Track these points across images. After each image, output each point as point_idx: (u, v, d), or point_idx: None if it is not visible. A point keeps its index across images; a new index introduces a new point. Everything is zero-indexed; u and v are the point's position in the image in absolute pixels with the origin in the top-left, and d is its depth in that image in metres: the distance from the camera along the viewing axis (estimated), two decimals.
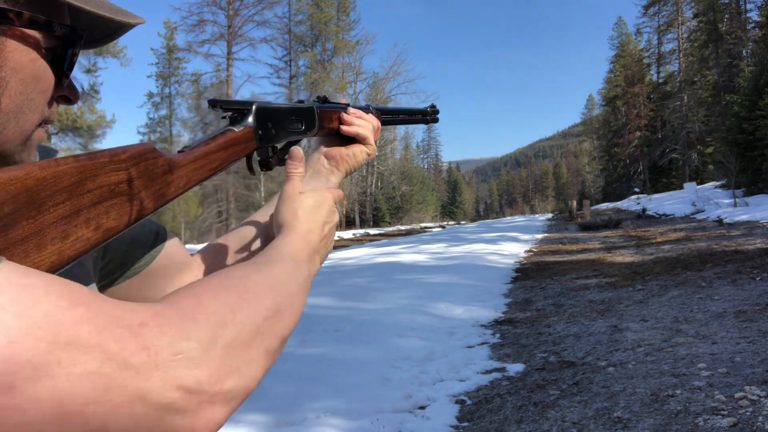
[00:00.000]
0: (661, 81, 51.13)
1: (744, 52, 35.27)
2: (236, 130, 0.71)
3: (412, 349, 4.68)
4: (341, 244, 22.69)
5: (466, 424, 3.26)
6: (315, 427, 3.13)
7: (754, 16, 35.29)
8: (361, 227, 44.56)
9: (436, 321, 5.78)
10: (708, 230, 12.70)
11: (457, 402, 3.59)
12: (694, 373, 3.52)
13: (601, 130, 62.28)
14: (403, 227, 44.67)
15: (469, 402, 3.60)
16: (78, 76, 29.45)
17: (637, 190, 42.79)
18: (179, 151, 0.63)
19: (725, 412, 2.89)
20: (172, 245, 0.81)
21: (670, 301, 5.77)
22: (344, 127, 0.90)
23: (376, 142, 0.96)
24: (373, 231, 38.15)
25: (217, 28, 38.96)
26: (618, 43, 57.68)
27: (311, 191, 0.78)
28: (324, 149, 0.91)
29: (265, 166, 0.79)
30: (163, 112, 41.78)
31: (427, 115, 1.15)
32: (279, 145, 0.81)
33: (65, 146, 29.01)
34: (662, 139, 46.80)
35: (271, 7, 39.81)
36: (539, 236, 17.73)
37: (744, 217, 13.58)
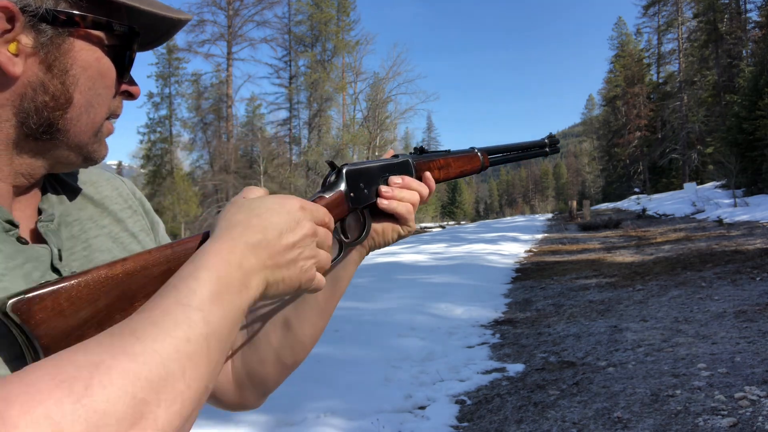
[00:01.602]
0: (661, 81, 51.15)
1: (744, 52, 35.28)
2: (327, 196, 0.70)
3: (412, 349, 4.68)
4: None
5: (466, 424, 3.26)
6: (315, 427, 3.13)
7: (754, 16, 35.31)
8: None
9: (436, 321, 5.78)
10: (708, 230, 12.70)
11: (457, 402, 3.59)
12: (694, 373, 3.52)
13: (601, 130, 62.29)
14: None
15: (469, 402, 3.60)
16: None
17: (637, 190, 42.80)
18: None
19: (725, 412, 2.89)
20: None
21: (670, 301, 5.77)
22: (381, 201, 0.77)
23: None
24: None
25: (217, 28, 39.05)
26: (618, 43, 57.69)
27: (260, 191, 0.61)
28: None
29: (346, 240, 0.75)
30: (163, 112, 41.82)
31: (545, 147, 1.06)
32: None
33: None
34: (662, 139, 46.81)
35: (271, 7, 39.91)
36: (539, 236, 17.73)
37: (744, 217, 13.59)
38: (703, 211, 18.04)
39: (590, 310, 5.90)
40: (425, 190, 0.82)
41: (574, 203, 27.58)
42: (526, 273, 9.41)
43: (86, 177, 0.68)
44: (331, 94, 43.83)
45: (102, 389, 0.37)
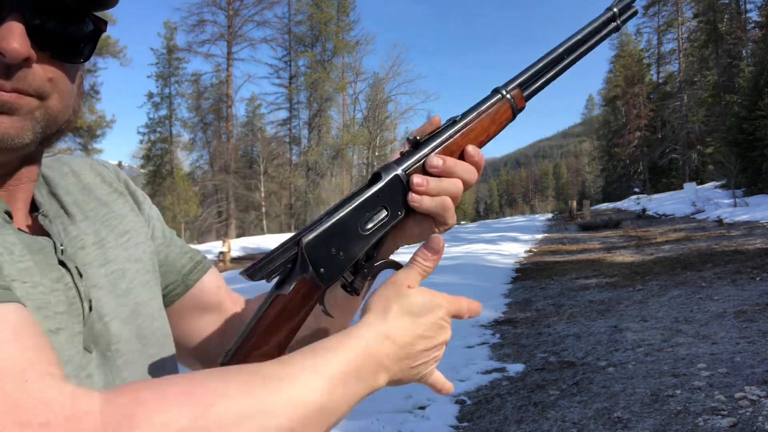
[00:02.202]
0: (661, 81, 51.15)
1: (744, 52, 35.27)
2: (287, 293, 0.56)
3: None
4: None
5: (466, 424, 3.26)
6: None
7: (754, 16, 35.31)
8: None
9: None
10: (708, 230, 12.70)
11: (457, 402, 3.59)
12: (694, 373, 3.52)
13: (601, 130, 62.27)
14: None
15: (469, 402, 3.60)
16: None
17: (637, 190, 42.77)
18: (221, 363, 0.56)
19: (725, 412, 2.89)
20: (210, 280, 0.77)
21: (670, 301, 5.77)
22: (411, 200, 0.61)
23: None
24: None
25: (217, 28, 39.02)
26: (618, 43, 57.65)
27: (425, 289, 0.58)
28: None
29: (354, 291, 0.61)
30: (163, 112, 41.78)
31: (615, 19, 0.71)
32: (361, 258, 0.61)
33: (65, 146, 29.03)
34: (662, 139, 46.81)
35: (271, 7, 39.88)
36: (539, 236, 17.73)
37: (744, 217, 13.58)
38: (703, 211, 18.04)
39: (590, 310, 5.90)
40: (472, 176, 0.64)
41: (574, 203, 27.58)
42: (526, 273, 9.41)
43: (68, 168, 0.69)
44: (331, 94, 43.83)
45: (217, 414, 0.41)
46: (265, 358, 0.54)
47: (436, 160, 0.61)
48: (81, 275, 0.58)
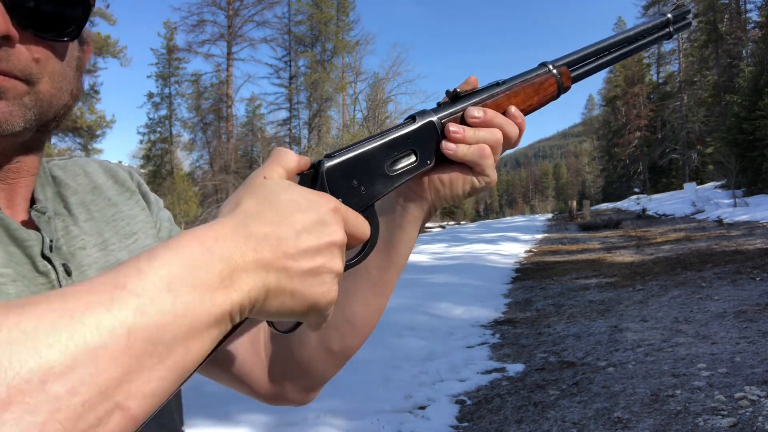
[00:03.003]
0: (661, 81, 51.17)
1: (744, 52, 35.28)
2: None
3: (412, 349, 4.68)
4: None
5: (466, 424, 3.26)
6: (315, 427, 3.13)
7: (754, 16, 35.32)
8: None
9: (436, 321, 5.78)
10: (708, 230, 12.70)
11: (457, 402, 3.59)
12: (694, 373, 3.52)
13: (601, 130, 62.29)
14: None
15: (469, 402, 3.60)
16: None
17: (637, 190, 42.79)
18: None
19: (725, 412, 2.89)
20: None
21: (670, 302, 5.77)
22: (445, 148, 0.57)
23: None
24: None
25: (217, 28, 39.02)
26: None
27: (290, 183, 0.47)
28: None
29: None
30: (163, 112, 41.79)
31: (668, 26, 0.72)
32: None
33: (65, 146, 29.04)
34: (662, 139, 46.82)
35: (271, 7, 39.89)
36: (539, 236, 17.73)
37: (744, 217, 13.58)
38: (703, 211, 18.04)
39: (590, 310, 5.90)
40: (513, 129, 0.60)
41: (574, 203, 27.59)
42: (526, 273, 9.41)
43: (81, 169, 0.68)
44: (331, 94, 43.83)
45: None
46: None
47: (477, 111, 0.58)
48: (69, 273, 0.56)
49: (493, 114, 0.59)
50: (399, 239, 0.62)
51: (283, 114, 44.19)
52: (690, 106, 42.03)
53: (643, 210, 23.13)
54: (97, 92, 30.81)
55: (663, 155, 45.07)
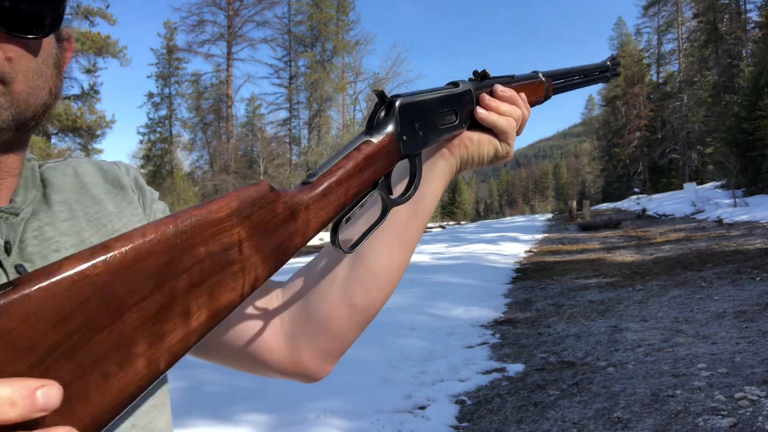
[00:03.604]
0: (661, 81, 51.16)
1: (744, 52, 35.28)
2: (375, 141, 0.53)
3: (412, 349, 4.68)
4: None
5: (466, 424, 3.26)
6: (315, 427, 3.13)
7: (754, 16, 35.30)
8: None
9: (436, 321, 5.78)
10: (708, 230, 12.70)
11: (457, 402, 3.59)
12: (694, 373, 3.52)
13: (601, 131, 62.27)
14: None
15: (469, 402, 3.60)
16: (78, 77, 29.48)
17: (637, 190, 42.79)
18: (303, 183, 0.47)
19: (725, 412, 2.89)
20: None
21: (670, 302, 5.77)
22: (480, 112, 0.67)
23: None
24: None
25: (217, 28, 39.04)
26: (618, 44, 57.65)
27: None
28: None
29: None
30: (163, 112, 41.81)
31: (607, 71, 0.92)
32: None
33: (65, 146, 29.03)
34: (662, 139, 46.81)
35: (271, 7, 39.90)
36: (539, 236, 17.73)
37: (744, 217, 13.58)
38: (703, 211, 18.03)
39: (590, 310, 5.90)
40: (526, 112, 0.72)
41: (574, 203, 27.58)
42: (526, 273, 9.41)
43: (72, 169, 0.65)
44: (331, 94, 43.83)
45: None
46: (333, 204, 0.48)
47: (506, 89, 0.69)
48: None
49: (515, 93, 0.70)
50: (427, 191, 0.67)
51: (283, 114, 44.22)
52: (690, 106, 42.02)
53: (643, 210, 23.13)
54: (97, 92, 30.79)
55: (663, 155, 45.06)
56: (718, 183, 24.15)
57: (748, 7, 36.67)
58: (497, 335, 5.27)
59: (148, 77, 41.87)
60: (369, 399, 3.53)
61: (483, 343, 5.01)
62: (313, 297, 0.66)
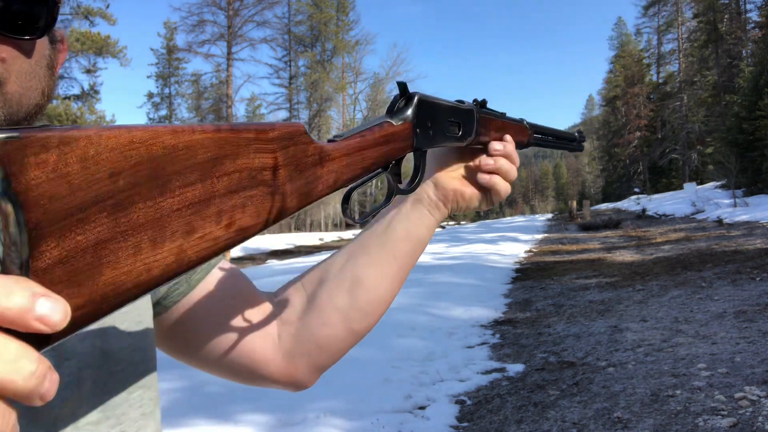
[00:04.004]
0: (661, 81, 51.18)
1: (744, 52, 35.28)
2: (395, 123, 0.57)
3: (412, 349, 4.68)
4: (341, 245, 22.68)
5: (466, 424, 3.26)
6: (315, 427, 3.13)
7: (754, 16, 35.30)
8: (362, 227, 44.56)
9: (436, 321, 5.77)
10: (708, 230, 12.70)
11: (457, 402, 3.59)
12: (694, 373, 3.52)
13: (601, 131, 62.27)
14: None
15: (469, 402, 3.60)
16: (78, 77, 29.48)
17: (637, 190, 42.81)
18: (329, 141, 0.50)
19: (725, 412, 2.89)
20: (219, 275, 0.72)
21: (670, 302, 5.77)
22: (481, 177, 0.72)
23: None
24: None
25: (217, 28, 38.99)
26: (618, 44, 57.70)
27: None
28: (439, 174, 0.74)
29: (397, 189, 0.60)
30: (163, 112, 41.81)
31: (574, 141, 1.03)
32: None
33: None
34: (662, 140, 46.82)
35: (270, 7, 39.86)
36: (539, 236, 17.73)
37: (744, 217, 13.58)
38: (703, 211, 18.04)
39: (590, 310, 5.90)
40: (515, 159, 0.74)
41: (574, 203, 27.60)
42: (526, 273, 9.41)
43: None
44: (331, 94, 43.85)
45: None
46: (352, 167, 0.50)
47: (507, 144, 0.74)
48: None
49: (514, 151, 0.74)
50: (416, 235, 0.72)
51: (283, 114, 44.22)
52: (690, 106, 42.03)
53: (643, 210, 23.13)
54: (97, 92, 30.79)
55: (663, 155, 45.08)
56: (718, 183, 24.16)
57: (748, 7, 36.68)
58: (497, 335, 5.27)
59: (148, 77, 41.92)
60: (369, 399, 3.53)
61: (483, 343, 5.01)
62: (314, 320, 0.71)
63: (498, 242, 15.29)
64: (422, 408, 3.49)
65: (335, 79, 44.63)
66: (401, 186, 0.60)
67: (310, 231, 37.88)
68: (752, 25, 35.32)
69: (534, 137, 0.86)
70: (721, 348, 3.98)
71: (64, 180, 0.28)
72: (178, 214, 0.33)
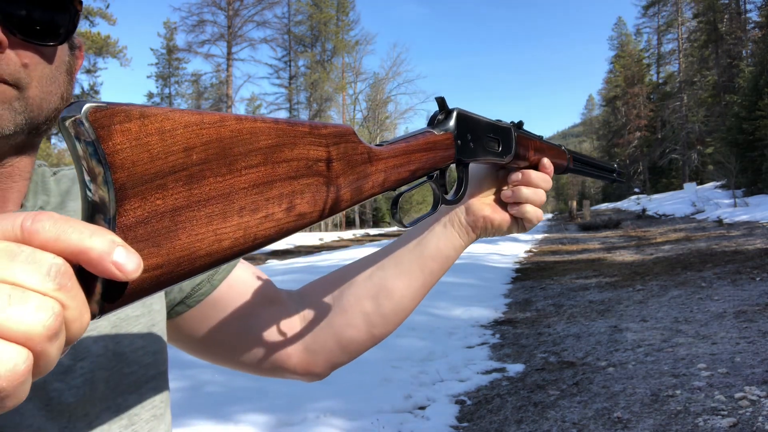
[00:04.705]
0: (661, 81, 51.18)
1: (744, 52, 35.28)
2: (436, 132, 0.60)
3: (412, 349, 4.68)
4: (341, 245, 22.72)
5: (466, 424, 3.26)
6: (315, 427, 3.13)
7: (754, 16, 35.30)
8: (361, 227, 44.57)
9: (436, 321, 5.77)
10: (708, 230, 12.70)
11: (457, 402, 3.59)
12: (694, 374, 3.52)
13: (601, 131, 62.27)
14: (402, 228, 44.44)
15: (469, 402, 3.60)
16: (78, 77, 29.48)
17: (637, 190, 42.82)
18: (376, 145, 0.53)
19: (725, 412, 2.89)
20: (241, 275, 0.75)
21: (670, 302, 5.77)
22: (511, 208, 0.74)
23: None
24: (373, 231, 38.16)
25: (217, 28, 39.00)
26: (618, 44, 57.68)
27: None
28: (472, 199, 0.75)
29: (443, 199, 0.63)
30: None
31: (614, 173, 1.03)
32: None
33: (65, 147, 29.03)
34: (662, 140, 46.82)
35: (270, 7, 39.87)
36: (539, 236, 17.73)
37: (744, 218, 13.58)
38: (703, 211, 18.04)
39: (590, 310, 5.90)
40: (546, 184, 0.76)
41: (574, 203, 27.61)
42: (526, 273, 9.41)
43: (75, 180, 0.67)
44: (331, 94, 43.83)
45: None
46: (399, 170, 0.54)
47: (545, 175, 0.76)
48: None
49: (530, 176, 0.75)
50: (443, 252, 0.75)
51: (283, 114, 44.22)
52: (690, 106, 42.03)
53: (643, 210, 23.14)
54: (97, 92, 30.80)
55: (663, 155, 45.07)
56: (718, 183, 24.16)
57: (748, 7, 36.67)
58: (497, 335, 5.27)
59: (148, 77, 41.91)
60: (369, 399, 3.53)
61: (483, 343, 5.01)
62: (339, 320, 0.75)
63: (498, 242, 15.29)
64: (422, 408, 3.49)
65: (335, 79, 44.62)
66: (447, 196, 0.63)
67: (310, 231, 37.87)
68: (752, 25, 35.31)
69: (573, 164, 0.88)
70: (721, 348, 3.98)
71: (145, 148, 0.32)
72: (245, 193, 0.37)
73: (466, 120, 0.63)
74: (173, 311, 0.72)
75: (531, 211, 0.73)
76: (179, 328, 0.73)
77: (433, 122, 0.62)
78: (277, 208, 0.39)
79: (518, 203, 0.73)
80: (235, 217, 0.36)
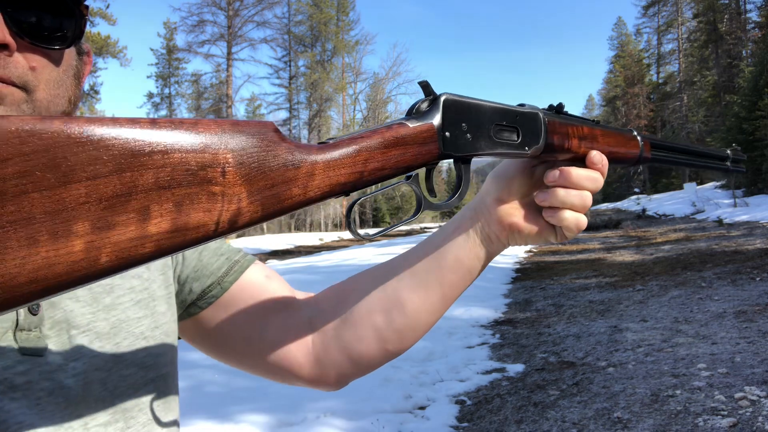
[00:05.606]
0: (660, 81, 51.17)
1: (744, 52, 35.27)
2: (410, 125, 0.50)
3: (412, 349, 4.68)
4: (341, 245, 22.72)
5: (466, 424, 3.26)
6: (315, 427, 3.13)
7: (754, 16, 35.29)
8: (361, 227, 44.57)
9: None
10: (708, 230, 12.70)
11: (457, 402, 3.59)
12: (694, 374, 3.52)
13: None
14: (403, 228, 44.69)
15: (469, 402, 3.60)
16: None
17: (637, 190, 42.81)
18: (320, 143, 0.46)
19: (725, 413, 2.89)
20: (254, 277, 0.74)
21: (670, 302, 5.77)
22: (546, 213, 0.61)
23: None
24: (373, 231, 38.20)
25: (217, 28, 38.99)
26: (618, 44, 57.67)
27: None
28: (500, 197, 0.64)
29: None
30: (163, 112, 41.76)
31: (726, 160, 0.83)
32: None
33: None
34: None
35: (270, 7, 39.85)
36: None
37: (744, 218, 13.58)
38: (703, 211, 18.04)
39: (590, 310, 5.90)
40: (593, 184, 0.61)
41: None
42: (526, 273, 9.41)
43: None
44: (330, 94, 43.83)
45: None
46: (346, 173, 0.45)
47: (593, 171, 0.62)
48: (34, 312, 0.54)
49: (569, 173, 0.60)
50: (468, 263, 0.66)
51: (283, 114, 44.21)
52: (690, 106, 42.03)
53: (643, 210, 23.14)
54: (97, 92, 30.81)
55: None
56: (718, 183, 24.16)
57: (748, 7, 36.66)
58: (497, 335, 5.27)
59: (148, 77, 41.88)
60: (369, 399, 3.53)
61: (483, 343, 5.01)
62: (348, 334, 0.70)
63: None
64: (422, 408, 3.49)
65: (335, 79, 44.61)
66: (435, 201, 0.53)
67: (310, 231, 37.85)
68: (752, 25, 35.31)
69: (654, 154, 0.72)
70: (721, 348, 3.98)
71: None
72: (87, 208, 0.32)
73: (458, 107, 0.52)
74: (186, 312, 0.72)
75: (569, 218, 0.59)
76: (194, 329, 0.73)
77: (412, 111, 0.52)
78: (138, 224, 0.33)
79: (554, 208, 0.60)
80: (72, 237, 0.31)
